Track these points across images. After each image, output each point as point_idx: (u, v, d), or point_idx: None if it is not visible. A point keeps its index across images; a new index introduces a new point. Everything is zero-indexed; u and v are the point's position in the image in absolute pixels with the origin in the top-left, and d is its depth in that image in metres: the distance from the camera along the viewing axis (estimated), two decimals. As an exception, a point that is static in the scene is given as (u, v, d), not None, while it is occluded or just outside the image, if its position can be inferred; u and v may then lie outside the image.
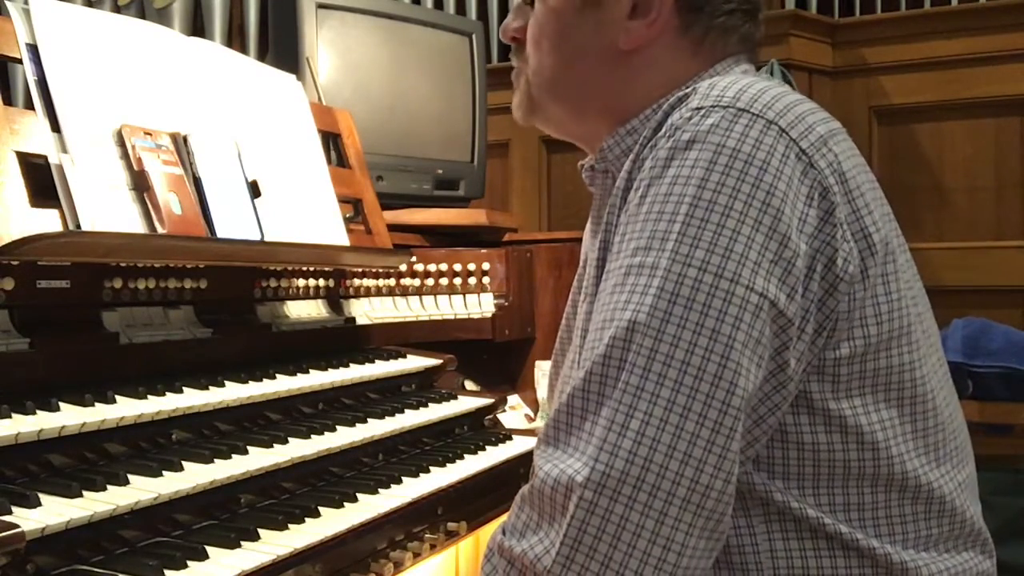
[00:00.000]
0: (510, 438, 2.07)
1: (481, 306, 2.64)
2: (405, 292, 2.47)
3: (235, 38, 4.59)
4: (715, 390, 1.06)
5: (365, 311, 2.30)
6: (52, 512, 1.20)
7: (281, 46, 2.78)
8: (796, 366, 1.13)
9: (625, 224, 1.17)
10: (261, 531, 1.36)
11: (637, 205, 1.15)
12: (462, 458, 1.88)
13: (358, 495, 1.57)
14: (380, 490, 1.61)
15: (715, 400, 1.06)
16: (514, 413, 2.56)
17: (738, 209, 1.09)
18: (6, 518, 1.15)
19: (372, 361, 2.09)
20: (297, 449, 1.59)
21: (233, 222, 1.81)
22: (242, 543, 1.32)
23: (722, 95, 1.17)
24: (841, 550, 1.14)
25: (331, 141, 2.35)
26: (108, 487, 1.30)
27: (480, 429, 2.16)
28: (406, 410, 1.95)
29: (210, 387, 1.64)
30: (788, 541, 1.15)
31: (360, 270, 2.28)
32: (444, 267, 2.57)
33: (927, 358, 1.21)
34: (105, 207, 1.58)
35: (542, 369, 2.69)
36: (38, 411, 1.37)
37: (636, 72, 1.32)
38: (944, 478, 1.19)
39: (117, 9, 4.63)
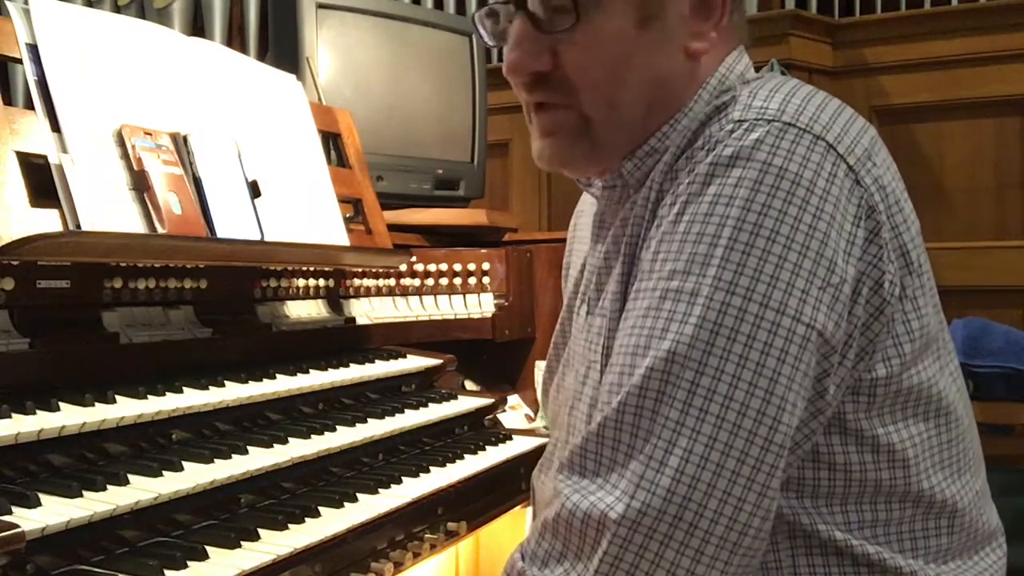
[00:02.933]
0: (510, 438, 2.07)
1: (481, 306, 2.64)
2: (405, 292, 2.47)
3: (235, 38, 4.59)
4: (759, 427, 1.02)
5: (365, 311, 2.30)
6: (52, 512, 1.20)
7: (281, 46, 2.78)
8: (835, 392, 1.09)
9: (659, 241, 1.10)
10: (261, 531, 1.36)
11: (672, 223, 1.09)
12: (462, 458, 1.88)
13: (358, 495, 1.57)
14: (380, 490, 1.61)
15: (758, 437, 1.02)
16: (514, 413, 2.55)
17: (784, 233, 1.04)
18: (6, 518, 1.15)
19: (372, 361, 2.09)
20: (297, 449, 1.59)
21: (233, 222, 1.81)
22: (242, 543, 1.32)
23: (765, 106, 1.11)
24: (866, 568, 1.12)
25: (331, 141, 2.35)
26: (108, 487, 1.30)
27: (480, 429, 2.16)
28: (406, 410, 1.95)
29: (210, 387, 1.64)
30: (812, 558, 1.12)
31: (360, 270, 2.28)
32: (444, 267, 2.57)
33: (948, 367, 1.19)
34: (105, 207, 1.58)
35: (542, 369, 2.69)
36: (38, 411, 1.37)
37: (700, 77, 1.22)
38: (964, 489, 1.18)
39: (117, 9, 4.63)
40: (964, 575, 1.17)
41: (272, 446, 1.57)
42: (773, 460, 1.03)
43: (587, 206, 1.48)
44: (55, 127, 1.57)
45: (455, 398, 2.15)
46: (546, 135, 1.25)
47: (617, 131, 1.22)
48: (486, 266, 2.65)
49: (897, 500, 1.13)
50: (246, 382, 1.72)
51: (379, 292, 2.38)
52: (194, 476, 1.39)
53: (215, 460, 1.46)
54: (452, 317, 2.57)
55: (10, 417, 1.33)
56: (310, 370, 1.88)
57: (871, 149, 1.14)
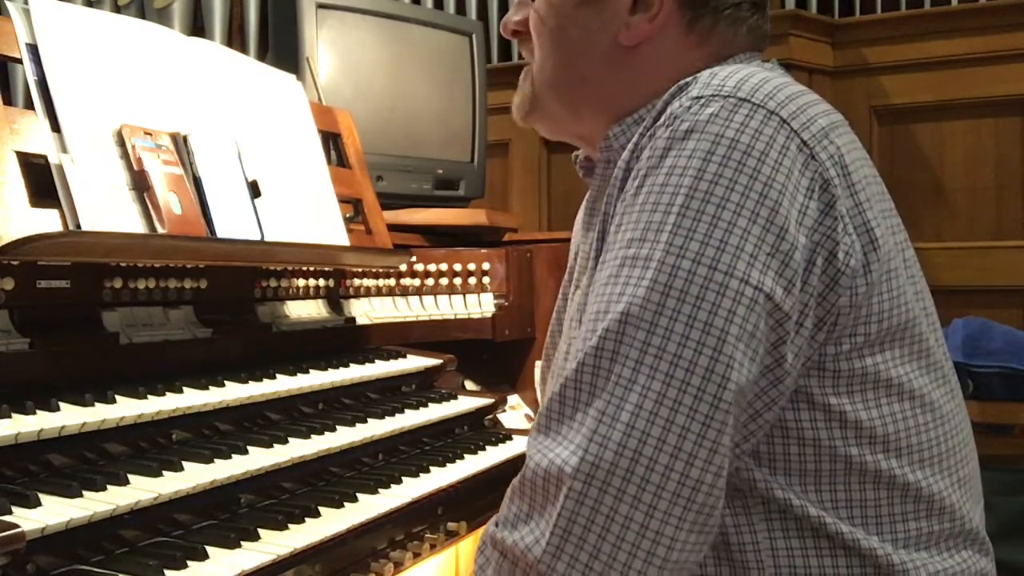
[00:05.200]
0: (510, 438, 2.08)
1: (481, 306, 2.64)
2: (405, 292, 2.47)
3: (235, 38, 4.59)
4: (706, 383, 1.05)
5: (365, 311, 2.30)
6: (52, 512, 1.20)
7: (281, 46, 2.78)
8: (794, 361, 1.12)
9: (621, 215, 1.16)
10: (261, 531, 1.36)
11: (633, 195, 1.14)
12: (462, 458, 1.88)
13: (358, 495, 1.57)
14: (380, 490, 1.61)
15: (706, 394, 1.05)
16: (514, 413, 2.56)
17: (734, 201, 1.08)
18: (6, 518, 1.15)
19: (372, 361, 2.09)
20: (297, 449, 1.59)
21: (233, 222, 1.81)
22: (242, 543, 1.32)
23: (723, 84, 1.15)
24: (842, 549, 1.14)
25: (331, 141, 2.35)
26: (108, 487, 1.30)
27: (480, 429, 2.16)
28: (406, 410, 1.95)
29: (210, 387, 1.64)
30: (789, 539, 1.14)
31: (360, 270, 2.28)
32: (444, 267, 2.57)
33: (930, 354, 1.20)
34: (105, 207, 1.58)
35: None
36: (38, 411, 1.37)
37: (639, 69, 1.31)
38: (938, 475, 1.19)
39: (117, 9, 4.63)
40: (936, 565, 1.17)
41: (272, 446, 1.57)
42: (723, 417, 1.06)
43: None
44: (55, 127, 1.57)
45: (455, 398, 2.15)
46: (517, 87, 1.41)
47: (548, 91, 1.36)
48: (486, 266, 2.65)
49: (871, 481, 1.15)
50: (246, 382, 1.72)
51: (379, 292, 2.38)
52: (194, 476, 1.39)
53: (215, 460, 1.46)
54: (452, 317, 2.57)
55: (10, 417, 1.33)
56: (310, 370, 1.88)
57: (830, 129, 1.16)
